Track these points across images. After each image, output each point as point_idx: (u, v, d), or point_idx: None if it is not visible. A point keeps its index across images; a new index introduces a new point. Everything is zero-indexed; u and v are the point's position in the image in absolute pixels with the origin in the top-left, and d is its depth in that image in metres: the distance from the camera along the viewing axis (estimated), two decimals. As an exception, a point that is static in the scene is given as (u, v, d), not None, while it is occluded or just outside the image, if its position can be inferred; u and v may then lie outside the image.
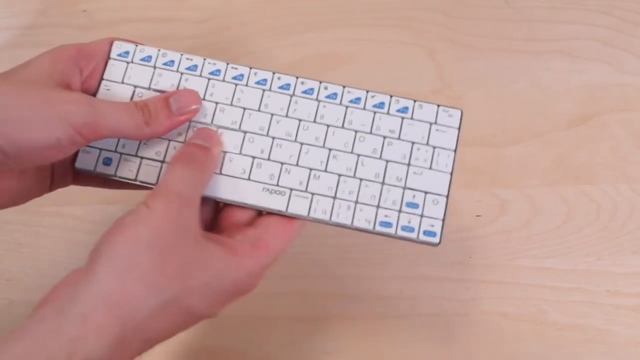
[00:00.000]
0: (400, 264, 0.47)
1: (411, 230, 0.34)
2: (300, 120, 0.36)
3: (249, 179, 0.35)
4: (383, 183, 0.35)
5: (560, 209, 0.49)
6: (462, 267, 0.47)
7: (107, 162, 0.36)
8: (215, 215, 0.35)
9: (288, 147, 0.35)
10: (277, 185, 0.35)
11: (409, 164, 0.35)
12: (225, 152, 0.35)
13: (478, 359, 0.44)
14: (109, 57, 0.37)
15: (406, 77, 0.53)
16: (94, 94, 0.36)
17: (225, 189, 0.35)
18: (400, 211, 0.35)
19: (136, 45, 0.37)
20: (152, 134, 0.33)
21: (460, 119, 0.37)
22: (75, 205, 0.49)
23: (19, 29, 0.53)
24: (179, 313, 0.30)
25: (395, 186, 0.35)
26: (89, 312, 0.27)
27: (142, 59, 0.37)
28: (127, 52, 0.37)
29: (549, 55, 0.54)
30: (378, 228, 0.34)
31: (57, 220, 0.48)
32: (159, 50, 0.37)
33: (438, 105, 0.36)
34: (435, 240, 0.34)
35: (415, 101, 0.36)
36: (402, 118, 0.36)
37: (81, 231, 0.48)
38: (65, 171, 0.37)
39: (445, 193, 0.35)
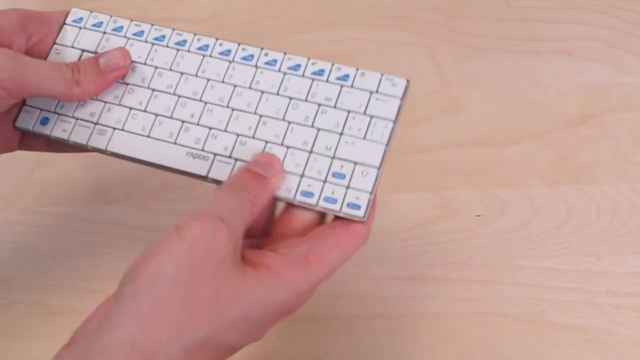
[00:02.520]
0: (400, 263, 0.47)
1: (334, 201, 0.32)
2: (235, 86, 0.35)
3: (175, 142, 0.34)
4: (311, 152, 0.33)
5: (560, 209, 0.49)
6: (462, 267, 0.47)
7: (45, 121, 0.36)
8: (269, 223, 0.33)
9: (219, 112, 0.35)
10: (202, 150, 0.34)
11: (341, 133, 0.33)
12: (156, 115, 0.35)
13: (478, 359, 0.44)
14: (64, 23, 0.38)
15: (406, 77, 0.53)
16: (45, 58, 0.37)
17: (150, 152, 0.34)
18: (325, 181, 0.33)
19: (90, 12, 0.38)
20: (82, 94, 0.34)
21: (405, 89, 0.34)
22: (75, 205, 0.48)
23: (19, 29, 0.53)
24: (213, 351, 0.27)
25: (324, 155, 0.33)
26: None
27: (94, 25, 0.38)
28: (81, 18, 0.38)
29: (549, 55, 0.54)
30: (299, 197, 0.32)
31: (57, 220, 0.48)
32: (111, 16, 0.38)
33: (382, 74, 0.35)
34: (360, 213, 0.32)
35: (357, 69, 0.35)
36: (342, 86, 0.34)
37: (81, 231, 0.48)
38: (8, 135, 0.37)
39: (377, 165, 0.33)
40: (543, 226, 0.48)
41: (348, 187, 0.32)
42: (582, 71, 0.54)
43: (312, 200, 0.32)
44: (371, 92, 0.34)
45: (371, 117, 0.34)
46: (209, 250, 0.27)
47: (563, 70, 0.54)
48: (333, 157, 0.33)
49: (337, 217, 0.33)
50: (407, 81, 0.35)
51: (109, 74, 0.35)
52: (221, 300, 0.27)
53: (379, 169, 0.33)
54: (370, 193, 0.32)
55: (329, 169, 0.33)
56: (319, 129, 0.34)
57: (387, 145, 0.33)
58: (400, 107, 0.34)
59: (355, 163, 0.33)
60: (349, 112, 0.34)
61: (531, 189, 0.49)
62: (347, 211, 0.32)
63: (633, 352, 0.44)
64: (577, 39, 0.55)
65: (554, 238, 0.48)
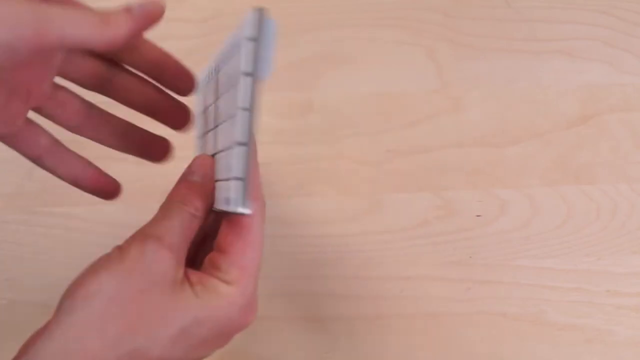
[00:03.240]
0: (400, 263, 0.47)
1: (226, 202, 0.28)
2: None
3: None
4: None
5: (560, 209, 0.49)
6: (462, 267, 0.47)
7: None
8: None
9: None
10: None
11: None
12: None
13: (478, 359, 0.44)
14: None
15: (406, 77, 0.53)
16: None
17: None
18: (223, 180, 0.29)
19: None
20: (113, 36, 0.27)
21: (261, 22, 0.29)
22: (75, 205, 0.48)
23: (19, 29, 0.53)
24: None
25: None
26: None
27: None
28: None
29: (549, 55, 0.54)
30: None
31: (57, 220, 0.48)
32: None
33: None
34: (239, 208, 0.27)
35: None
36: None
37: (81, 231, 0.48)
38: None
39: (242, 139, 0.26)
40: (543, 226, 0.48)
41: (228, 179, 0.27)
42: (582, 71, 0.54)
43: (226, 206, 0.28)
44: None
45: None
46: (147, 270, 0.27)
47: (563, 70, 0.54)
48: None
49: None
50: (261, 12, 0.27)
51: (142, 19, 0.29)
52: (157, 315, 0.27)
53: (246, 145, 0.26)
54: (242, 179, 0.26)
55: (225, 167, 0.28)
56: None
57: (248, 110, 0.26)
58: (257, 51, 0.26)
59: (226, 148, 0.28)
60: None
61: (531, 189, 0.49)
62: (229, 208, 0.27)
63: (633, 352, 0.44)
64: (577, 39, 0.55)
65: (554, 238, 0.48)
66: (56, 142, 0.35)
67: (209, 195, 0.30)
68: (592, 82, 0.53)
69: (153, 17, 0.29)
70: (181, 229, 0.29)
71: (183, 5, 0.56)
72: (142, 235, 0.28)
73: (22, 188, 0.50)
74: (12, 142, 0.33)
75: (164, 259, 0.28)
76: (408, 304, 0.46)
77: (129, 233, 0.30)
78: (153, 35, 0.56)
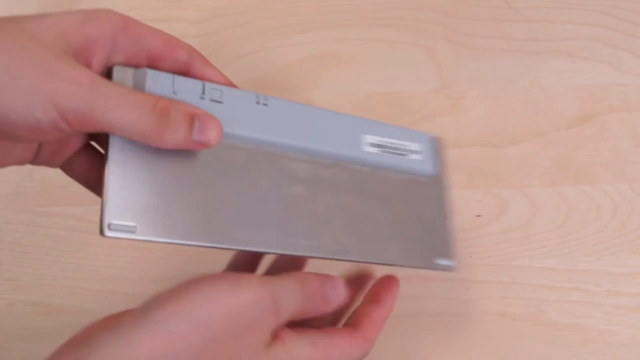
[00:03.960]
0: (400, 264, 0.47)
1: None
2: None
3: None
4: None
5: (560, 209, 0.49)
6: (462, 267, 0.47)
7: None
8: None
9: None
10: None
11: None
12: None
13: (478, 359, 0.44)
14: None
15: (406, 77, 0.53)
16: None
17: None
18: None
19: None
20: (160, 145, 0.27)
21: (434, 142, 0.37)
22: (75, 205, 0.49)
23: (19, 29, 0.53)
24: None
25: None
26: None
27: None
28: None
29: (549, 55, 0.54)
30: None
31: (57, 220, 0.48)
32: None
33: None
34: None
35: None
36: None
37: (81, 231, 0.48)
38: (54, 150, 0.31)
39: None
40: (543, 226, 0.48)
41: None
42: (582, 71, 0.54)
43: None
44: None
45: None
46: (249, 320, 0.27)
47: (563, 70, 0.54)
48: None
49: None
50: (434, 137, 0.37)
51: (195, 143, 0.28)
52: None
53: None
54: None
55: None
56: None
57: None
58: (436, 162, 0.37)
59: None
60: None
61: (531, 189, 0.49)
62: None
63: (633, 352, 0.44)
64: (577, 39, 0.55)
65: (554, 238, 0.48)
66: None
67: (321, 312, 0.31)
68: (592, 82, 0.53)
69: (204, 147, 0.28)
70: (294, 309, 0.29)
71: (183, 5, 0.56)
72: (268, 284, 0.28)
73: (22, 188, 0.50)
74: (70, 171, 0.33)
75: (269, 321, 0.28)
76: (408, 304, 0.46)
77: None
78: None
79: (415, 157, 0.36)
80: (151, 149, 0.28)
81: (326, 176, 0.33)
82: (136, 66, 0.30)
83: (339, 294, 0.31)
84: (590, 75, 0.54)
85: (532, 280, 0.46)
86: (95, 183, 0.32)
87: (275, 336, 0.29)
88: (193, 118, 0.28)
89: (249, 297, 0.27)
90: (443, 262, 0.36)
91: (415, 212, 0.36)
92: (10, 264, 0.47)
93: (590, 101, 0.53)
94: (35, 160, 0.31)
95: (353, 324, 0.33)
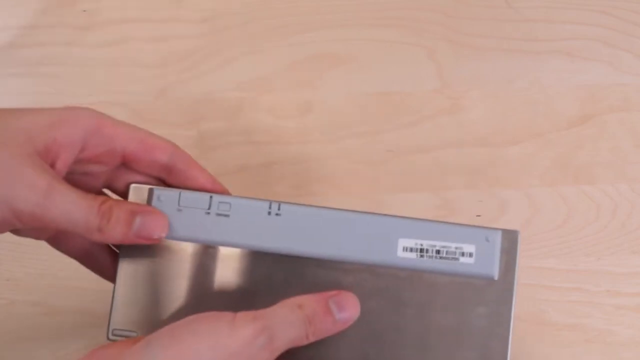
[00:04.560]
0: (400, 264, 0.47)
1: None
2: None
3: None
4: None
5: (560, 209, 0.49)
6: None
7: None
8: None
9: None
10: None
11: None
12: None
13: (478, 359, 0.44)
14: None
15: (406, 77, 0.53)
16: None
17: None
18: None
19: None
20: (101, 240, 0.30)
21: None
22: (75, 205, 0.48)
23: (19, 28, 0.53)
24: None
25: None
26: None
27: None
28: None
29: (549, 55, 0.54)
30: None
31: (57, 220, 0.48)
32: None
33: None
34: None
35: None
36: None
37: (81, 231, 0.48)
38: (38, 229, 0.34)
39: None
40: (543, 226, 0.48)
41: None
42: (582, 71, 0.54)
43: None
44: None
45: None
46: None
47: (563, 70, 0.54)
48: None
49: None
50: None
51: (136, 238, 0.30)
52: None
53: None
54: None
55: None
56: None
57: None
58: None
59: None
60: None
61: (531, 189, 0.49)
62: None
63: (633, 352, 0.44)
64: (577, 39, 0.55)
65: (554, 238, 0.48)
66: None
67: (332, 333, 0.30)
68: (592, 82, 0.53)
69: (147, 242, 0.31)
70: (290, 339, 0.29)
71: (183, 5, 0.56)
72: (264, 319, 0.28)
73: (22, 188, 0.50)
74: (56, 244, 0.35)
75: (263, 356, 0.28)
76: (408, 304, 0.46)
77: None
78: (153, 35, 0.56)
79: (466, 260, 0.33)
80: (160, 262, 0.32)
81: (350, 282, 0.32)
82: (154, 183, 0.33)
83: (348, 309, 0.30)
84: (590, 75, 0.54)
85: (532, 280, 0.46)
86: (84, 257, 0.36)
87: None
88: (134, 215, 0.30)
89: (245, 335, 0.28)
90: None
91: (461, 321, 0.32)
92: (10, 264, 0.47)
93: (590, 101, 0.53)
94: (20, 232, 0.33)
95: None
